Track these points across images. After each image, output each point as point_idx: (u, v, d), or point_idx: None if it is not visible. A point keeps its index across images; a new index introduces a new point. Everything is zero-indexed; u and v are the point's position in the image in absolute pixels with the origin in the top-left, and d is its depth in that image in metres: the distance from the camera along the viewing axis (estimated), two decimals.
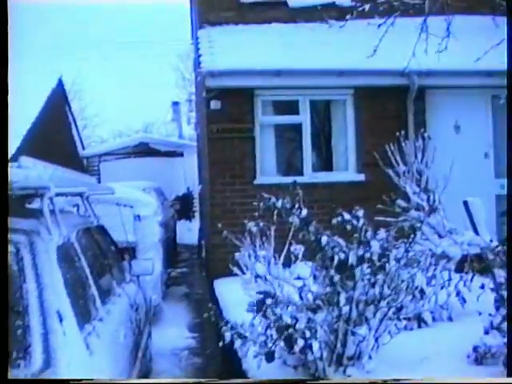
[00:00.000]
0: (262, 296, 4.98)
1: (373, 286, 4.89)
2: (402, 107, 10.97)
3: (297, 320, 4.67)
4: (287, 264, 6.17)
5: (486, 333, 5.37)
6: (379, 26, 8.22)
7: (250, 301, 5.33)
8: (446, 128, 11.21)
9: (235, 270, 6.41)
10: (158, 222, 12.28)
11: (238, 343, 5.33)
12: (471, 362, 5.36)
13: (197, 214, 22.28)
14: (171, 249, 15.50)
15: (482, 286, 5.52)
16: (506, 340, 5.01)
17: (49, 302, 3.50)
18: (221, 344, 5.40)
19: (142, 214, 9.58)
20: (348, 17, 8.05)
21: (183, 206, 23.28)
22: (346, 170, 11.21)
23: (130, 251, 8.83)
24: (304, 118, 11.07)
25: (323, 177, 11.03)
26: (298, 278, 5.47)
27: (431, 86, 11.02)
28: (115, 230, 8.00)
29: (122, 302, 5.52)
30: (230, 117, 10.75)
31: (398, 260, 5.01)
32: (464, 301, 6.77)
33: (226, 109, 10.71)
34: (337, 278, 4.76)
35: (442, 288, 7.00)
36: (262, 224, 5.87)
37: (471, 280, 6.28)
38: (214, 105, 10.68)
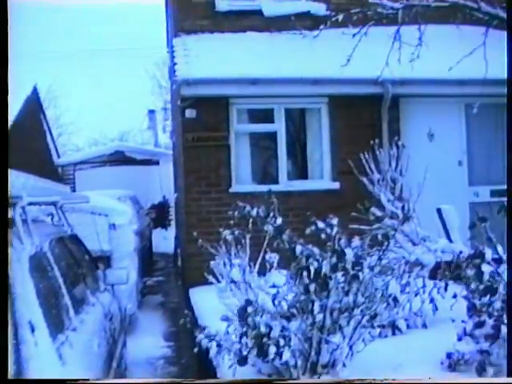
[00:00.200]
0: (243, 304, 4.97)
1: (347, 294, 4.91)
2: (376, 115, 11.03)
3: (271, 328, 4.68)
4: (262, 272, 6.18)
5: (459, 340, 5.41)
6: (354, 35, 8.30)
7: (224, 313, 5.33)
8: (419, 136, 11.30)
9: (210, 278, 6.41)
10: (134, 230, 12.23)
11: (213, 352, 5.32)
12: (445, 369, 5.40)
13: (173, 223, 22.22)
14: (147, 257, 15.44)
15: (455, 296, 5.56)
16: (478, 347, 5.06)
17: (20, 313, 3.47)
18: (196, 350, 5.40)
19: (117, 223, 9.53)
20: (322, 26, 8.10)
21: (159, 215, 23.23)
22: (321, 178, 11.24)
23: (105, 260, 8.78)
24: (279, 126, 11.09)
25: (298, 185, 11.06)
26: (274, 286, 5.48)
27: (405, 94, 11.10)
28: (90, 239, 7.97)
29: (95, 311, 5.49)
30: (205, 125, 10.75)
31: (371, 268, 5.03)
32: (437, 308, 6.82)
33: (201, 117, 10.71)
34: (311, 286, 4.77)
35: (416, 295, 7.05)
36: (237, 232, 5.88)
37: (445, 287, 6.32)
38: (189, 113, 10.68)
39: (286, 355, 4.77)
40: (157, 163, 25.59)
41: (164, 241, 20.71)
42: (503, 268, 5.04)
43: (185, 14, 12.02)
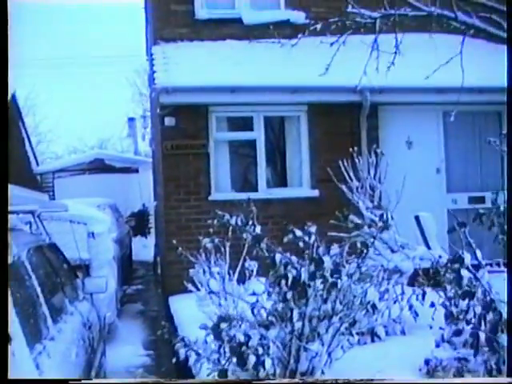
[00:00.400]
0: (216, 321, 4.97)
1: (325, 301, 4.92)
2: (355, 123, 11.08)
3: (249, 337, 4.68)
4: (242, 280, 6.19)
5: (437, 346, 5.44)
6: (332, 44, 8.35)
7: (204, 321, 5.33)
8: (398, 144, 11.36)
9: (190, 286, 6.41)
10: (113, 238, 12.21)
11: (192, 360, 5.32)
12: (423, 375, 5.43)
13: (152, 231, 22.15)
14: (126, 266, 15.38)
15: (433, 304, 5.60)
16: (456, 353, 5.09)
17: None
18: (174, 360, 5.39)
19: (95, 231, 9.48)
20: (300, 35, 8.15)
21: (139, 223, 23.17)
22: (301, 186, 11.27)
23: (84, 269, 8.74)
24: (258, 134, 11.11)
25: (278, 193, 11.08)
26: (253, 293, 5.49)
27: (384, 102, 11.17)
28: (69, 248, 7.92)
29: (74, 320, 5.46)
30: (184, 133, 10.75)
31: (350, 275, 5.05)
32: (416, 314, 6.86)
33: (181, 125, 10.72)
34: (289, 294, 4.79)
35: (394, 302, 7.08)
36: (216, 240, 5.89)
37: (423, 294, 6.36)
38: (169, 121, 10.68)
39: (268, 363, 4.77)
40: (136, 171, 25.52)
41: (144, 249, 20.64)
42: (482, 273, 5.08)
43: (164, 21, 12.02)
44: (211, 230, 5.79)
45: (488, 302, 4.84)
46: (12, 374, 3.34)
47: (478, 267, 5.08)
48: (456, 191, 11.64)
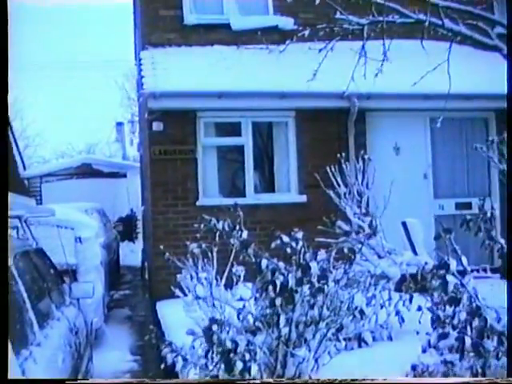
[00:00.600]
0: (208, 323, 4.96)
1: (312, 307, 4.93)
2: (343, 129, 11.12)
3: (237, 344, 4.68)
4: (229, 285, 6.18)
5: (424, 351, 5.45)
6: (320, 50, 8.37)
7: (191, 326, 5.32)
8: (386, 150, 11.41)
9: (177, 292, 6.40)
10: (100, 243, 12.18)
11: (179, 366, 5.31)
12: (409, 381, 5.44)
13: (140, 236, 22.10)
14: (114, 271, 15.34)
15: (419, 308, 5.62)
16: (442, 358, 5.11)
17: None
18: (162, 366, 5.38)
19: (83, 236, 9.47)
20: (288, 41, 8.16)
21: (126, 228, 23.11)
22: (289, 192, 11.29)
23: (71, 274, 8.72)
24: (246, 139, 11.13)
25: (265, 198, 11.09)
26: (241, 299, 5.49)
27: (371, 108, 11.22)
28: (56, 253, 7.91)
29: (60, 325, 5.45)
30: (172, 138, 10.76)
31: (337, 281, 5.06)
32: (403, 320, 6.89)
33: (169, 130, 10.72)
34: (276, 300, 4.79)
35: (381, 308, 7.11)
36: (204, 245, 5.88)
37: (410, 299, 6.38)
38: (157, 126, 10.68)
39: (255, 369, 4.77)
40: (124, 176, 25.47)
41: (131, 254, 20.60)
42: (468, 279, 5.10)
43: (153, 26, 12.03)
44: (199, 235, 5.78)
45: (474, 307, 4.86)
46: None
47: (463, 273, 5.10)
48: (443, 197, 11.70)
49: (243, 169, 11.20)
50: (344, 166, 8.28)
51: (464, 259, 5.16)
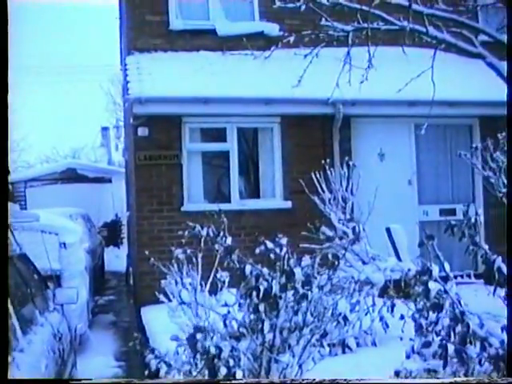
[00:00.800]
0: (192, 331, 4.96)
1: (296, 313, 4.94)
2: (328, 135, 11.15)
3: (221, 349, 4.68)
4: (214, 291, 6.18)
5: (408, 357, 5.47)
6: (305, 56, 8.41)
7: (176, 332, 5.32)
8: (370, 156, 11.45)
9: (161, 297, 6.39)
10: (85, 249, 12.14)
11: (163, 372, 5.30)
12: None
13: (125, 241, 22.04)
14: (98, 276, 15.29)
15: (402, 317, 5.64)
16: (425, 364, 5.13)
17: None
18: (146, 373, 5.36)
19: (67, 242, 9.44)
20: (273, 47, 8.19)
21: (111, 233, 23.03)
22: (273, 197, 11.30)
23: (55, 279, 8.68)
24: (231, 145, 11.14)
25: (250, 204, 11.10)
26: (226, 305, 5.49)
27: (356, 114, 11.26)
28: (40, 258, 7.88)
29: (44, 331, 5.44)
30: (157, 144, 10.75)
31: (321, 287, 5.07)
32: (387, 326, 6.91)
33: (154, 136, 10.71)
34: (260, 306, 4.80)
35: (366, 314, 7.13)
36: (189, 251, 5.87)
37: (391, 306, 6.41)
38: (142, 131, 10.68)
39: (239, 375, 4.77)
40: (109, 181, 25.40)
41: (116, 259, 20.52)
42: (450, 285, 5.13)
43: (138, 32, 12.03)
44: (183, 240, 5.78)
45: (456, 313, 4.88)
46: None
47: (446, 279, 5.13)
48: (427, 203, 11.75)
49: (228, 174, 11.20)
50: (329, 172, 8.31)
51: (447, 265, 5.18)
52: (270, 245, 5.00)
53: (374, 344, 7.16)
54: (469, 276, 8.24)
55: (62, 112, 49.53)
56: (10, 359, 3.91)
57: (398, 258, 7.54)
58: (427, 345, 4.99)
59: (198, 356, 4.80)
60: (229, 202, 10.96)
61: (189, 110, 10.76)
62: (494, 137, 8.53)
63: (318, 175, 8.25)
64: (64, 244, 9.36)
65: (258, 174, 11.47)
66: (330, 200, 8.06)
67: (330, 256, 5.79)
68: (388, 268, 6.92)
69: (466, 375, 4.86)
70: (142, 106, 10.36)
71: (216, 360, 4.66)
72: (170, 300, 6.13)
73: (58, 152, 41.07)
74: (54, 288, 7.22)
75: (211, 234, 5.27)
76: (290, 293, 4.94)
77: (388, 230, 8.18)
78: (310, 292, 4.92)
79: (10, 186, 25.18)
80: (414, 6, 7.72)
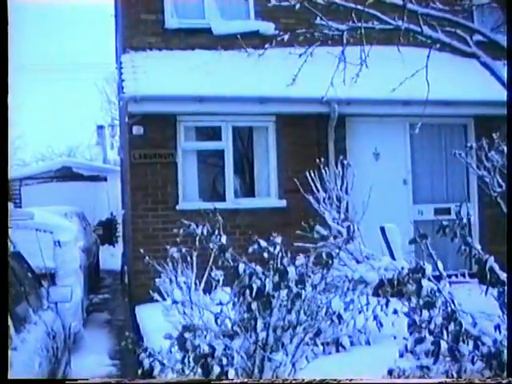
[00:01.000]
0: (181, 330, 4.97)
1: (289, 311, 4.95)
2: (322, 134, 11.16)
3: (214, 348, 4.69)
4: (208, 290, 6.19)
5: (401, 356, 5.48)
6: (300, 55, 8.42)
7: (170, 331, 5.32)
8: (365, 155, 11.46)
9: (156, 296, 6.39)
10: (80, 247, 12.13)
11: (156, 370, 5.30)
12: None
13: (120, 239, 22.02)
14: (93, 274, 15.26)
15: (395, 311, 5.65)
16: (418, 363, 5.15)
17: None
18: (140, 372, 5.36)
19: (62, 240, 9.43)
20: (267, 46, 8.19)
21: (107, 231, 22.97)
22: (268, 196, 11.30)
23: (49, 278, 8.68)
24: (226, 144, 11.14)
25: (245, 203, 11.10)
26: (220, 303, 5.49)
27: (351, 114, 11.26)
28: (34, 256, 7.88)
29: (38, 329, 5.44)
30: (152, 142, 10.75)
31: (314, 286, 5.08)
32: (381, 325, 6.92)
33: (149, 134, 10.71)
34: (254, 304, 4.80)
35: (359, 312, 7.15)
36: (184, 250, 5.88)
37: (386, 304, 6.42)
38: (137, 130, 10.67)
39: (231, 374, 4.78)
40: (105, 179, 25.36)
41: (111, 258, 20.49)
42: (443, 284, 5.15)
43: (133, 30, 12.02)
44: (178, 239, 5.78)
45: (449, 312, 4.90)
46: None
47: (439, 278, 5.15)
48: (422, 202, 11.77)
49: (223, 173, 11.20)
50: (323, 171, 8.33)
51: (440, 264, 5.20)
52: (263, 243, 5.01)
53: (367, 343, 7.17)
54: (463, 275, 8.27)
55: (57, 110, 49.52)
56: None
57: (392, 257, 7.56)
58: (420, 342, 5.00)
59: (192, 354, 4.81)
60: (224, 200, 10.96)
61: (184, 109, 10.75)
62: (489, 136, 8.55)
63: (312, 174, 8.26)
64: (59, 242, 9.35)
65: (252, 172, 11.47)
66: (324, 199, 8.07)
67: (324, 255, 5.80)
68: (382, 267, 6.93)
69: (458, 373, 4.88)
70: (137, 104, 10.35)
71: (209, 359, 4.67)
72: (164, 299, 6.14)
73: (53, 150, 41.03)
74: (48, 286, 7.23)
75: (206, 232, 5.28)
76: (284, 291, 4.95)
77: (382, 229, 8.18)
78: (303, 291, 4.93)
79: None
80: (409, 6, 7.74)
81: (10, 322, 4.48)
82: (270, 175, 11.30)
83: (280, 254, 4.95)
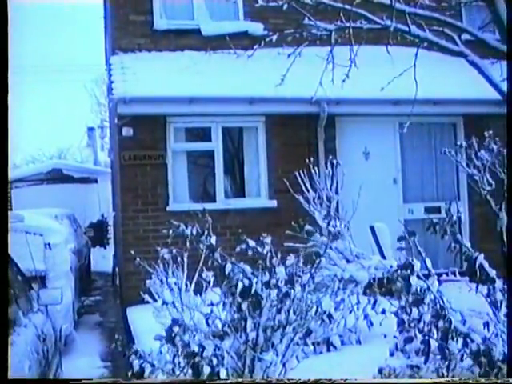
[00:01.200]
0: (169, 324, 4.98)
1: (279, 311, 4.95)
2: (312, 134, 11.16)
3: (204, 348, 4.69)
4: (199, 291, 6.19)
5: (392, 355, 5.49)
6: (289, 55, 8.44)
7: (157, 334, 5.32)
8: (355, 155, 11.47)
9: (147, 297, 6.39)
10: (71, 249, 12.11)
11: (147, 372, 5.29)
12: None
13: (111, 241, 21.99)
14: (85, 276, 15.25)
15: (383, 311, 5.68)
16: (409, 361, 5.16)
17: None
18: (130, 374, 5.36)
19: (52, 242, 9.40)
20: (256, 46, 8.21)
21: (98, 233, 22.93)
22: (259, 197, 11.30)
23: (39, 280, 8.65)
24: (216, 144, 11.13)
25: (236, 203, 11.10)
26: (211, 304, 5.50)
27: (341, 113, 11.26)
28: (24, 259, 7.86)
29: (27, 332, 5.42)
30: (142, 144, 10.74)
31: (304, 286, 5.09)
32: (371, 324, 6.94)
33: (139, 136, 10.69)
34: (243, 304, 4.81)
35: (350, 312, 7.16)
36: (174, 251, 5.87)
37: (375, 303, 6.45)
38: (126, 132, 10.66)
39: (222, 374, 4.78)
40: (95, 181, 25.31)
41: (103, 259, 20.46)
42: (431, 281, 5.16)
43: (122, 31, 11.99)
44: (169, 240, 5.78)
45: (438, 310, 4.92)
46: None
47: (428, 276, 5.17)
48: (412, 201, 11.79)
49: (213, 174, 11.20)
50: (313, 171, 8.34)
51: (428, 262, 5.22)
52: (251, 243, 5.02)
53: (358, 342, 7.18)
54: (454, 273, 8.27)
55: (47, 112, 49.35)
56: None
57: (382, 256, 7.59)
58: (409, 340, 5.02)
59: (181, 355, 4.81)
60: (214, 201, 10.96)
61: (173, 110, 10.74)
62: (479, 135, 8.58)
63: (302, 174, 8.27)
64: (49, 245, 9.33)
65: (243, 173, 11.46)
66: (314, 199, 8.08)
67: (313, 255, 5.82)
68: (372, 266, 6.97)
69: (447, 371, 4.90)
70: (126, 105, 10.33)
71: (199, 359, 4.67)
72: (155, 300, 6.14)
73: (43, 152, 40.89)
74: (38, 289, 7.20)
75: (195, 233, 5.28)
76: (274, 291, 4.95)
77: (372, 229, 8.21)
78: (292, 290, 4.94)
79: None
80: (397, 5, 7.76)
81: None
82: (260, 175, 11.30)
83: (269, 254, 4.96)
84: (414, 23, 8.14)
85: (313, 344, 5.85)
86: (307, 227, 7.10)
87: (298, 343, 5.20)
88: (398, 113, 10.85)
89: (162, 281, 5.86)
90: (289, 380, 4.80)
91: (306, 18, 8.32)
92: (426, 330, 5.01)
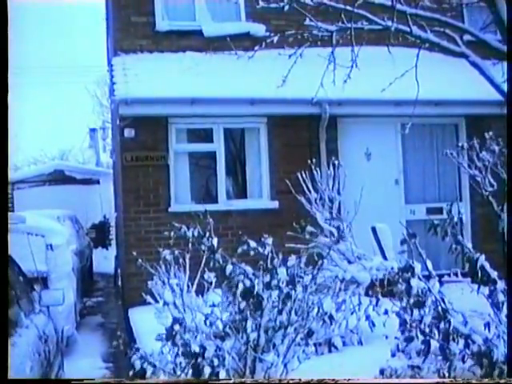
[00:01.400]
0: (171, 323, 4.98)
1: (280, 312, 4.95)
2: (314, 135, 11.15)
3: (205, 349, 4.69)
4: (200, 292, 6.19)
5: (393, 356, 5.50)
6: (290, 56, 8.44)
7: (159, 332, 5.33)
8: (357, 155, 11.46)
9: (148, 298, 6.39)
10: (73, 250, 12.12)
11: (148, 373, 5.30)
12: None
13: (113, 242, 22.00)
14: (87, 278, 15.26)
15: (386, 312, 5.68)
16: (410, 362, 5.16)
17: None
18: (131, 373, 5.36)
19: (54, 243, 9.41)
20: (256, 47, 8.22)
21: (100, 234, 22.98)
22: (261, 198, 11.29)
23: (41, 281, 8.66)
24: (218, 145, 11.13)
25: (238, 204, 11.09)
26: (213, 305, 5.50)
27: (343, 114, 11.25)
28: (26, 260, 7.87)
29: (29, 333, 5.42)
30: (144, 145, 10.74)
31: (305, 287, 5.09)
32: (373, 325, 6.93)
33: (140, 137, 10.69)
34: (244, 305, 4.81)
35: (351, 313, 7.16)
36: (176, 252, 5.88)
37: (376, 304, 6.45)
38: (128, 133, 10.66)
39: (223, 375, 4.78)
40: (97, 182, 25.33)
41: (105, 260, 20.46)
42: (432, 283, 5.16)
43: (124, 33, 12.00)
44: (171, 241, 5.78)
45: (439, 311, 4.92)
46: None
47: (429, 277, 5.17)
48: (414, 202, 11.78)
49: (215, 175, 11.20)
50: (315, 171, 8.34)
51: (429, 263, 5.22)
52: (253, 244, 5.02)
53: (360, 343, 7.18)
54: (456, 274, 8.26)
55: (49, 114, 49.39)
56: None
57: (384, 257, 7.58)
58: (410, 341, 5.02)
59: (182, 355, 4.81)
60: (216, 202, 10.95)
61: (175, 111, 10.74)
62: (480, 136, 8.58)
63: (304, 175, 8.28)
64: (51, 246, 9.34)
65: (245, 174, 11.46)
66: (316, 200, 8.09)
67: (315, 256, 5.82)
68: (374, 267, 6.96)
69: (449, 372, 4.90)
70: (128, 107, 10.34)
71: (200, 359, 4.67)
72: (157, 301, 6.14)
73: (45, 154, 40.96)
74: (40, 290, 7.20)
75: (197, 234, 5.28)
76: (275, 292, 4.96)
77: (374, 230, 8.21)
78: (294, 291, 4.94)
79: None
80: (398, 6, 7.75)
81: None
82: (261, 176, 11.30)
83: (270, 255, 4.96)
84: (416, 24, 8.13)
85: (314, 345, 5.84)
86: (309, 228, 7.10)
87: (299, 344, 5.21)
88: (399, 114, 10.84)
89: (163, 282, 5.86)
90: (292, 380, 4.80)
91: (308, 19, 8.32)
92: (427, 330, 5.01)
